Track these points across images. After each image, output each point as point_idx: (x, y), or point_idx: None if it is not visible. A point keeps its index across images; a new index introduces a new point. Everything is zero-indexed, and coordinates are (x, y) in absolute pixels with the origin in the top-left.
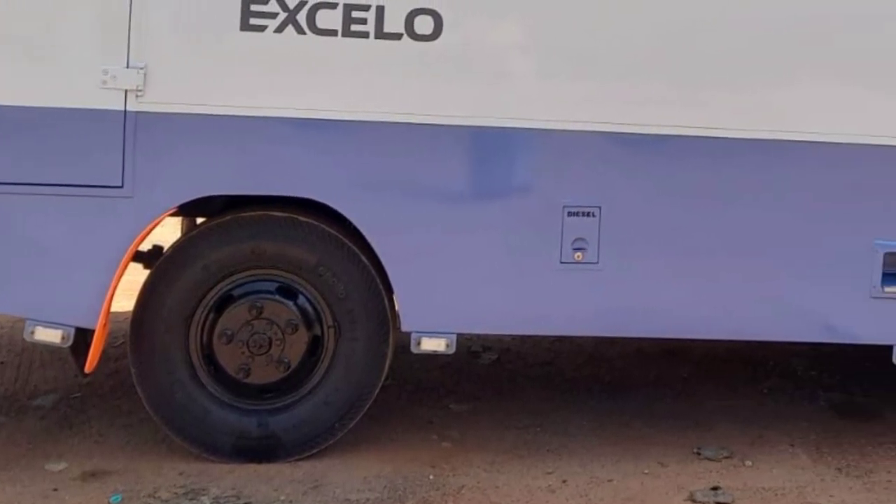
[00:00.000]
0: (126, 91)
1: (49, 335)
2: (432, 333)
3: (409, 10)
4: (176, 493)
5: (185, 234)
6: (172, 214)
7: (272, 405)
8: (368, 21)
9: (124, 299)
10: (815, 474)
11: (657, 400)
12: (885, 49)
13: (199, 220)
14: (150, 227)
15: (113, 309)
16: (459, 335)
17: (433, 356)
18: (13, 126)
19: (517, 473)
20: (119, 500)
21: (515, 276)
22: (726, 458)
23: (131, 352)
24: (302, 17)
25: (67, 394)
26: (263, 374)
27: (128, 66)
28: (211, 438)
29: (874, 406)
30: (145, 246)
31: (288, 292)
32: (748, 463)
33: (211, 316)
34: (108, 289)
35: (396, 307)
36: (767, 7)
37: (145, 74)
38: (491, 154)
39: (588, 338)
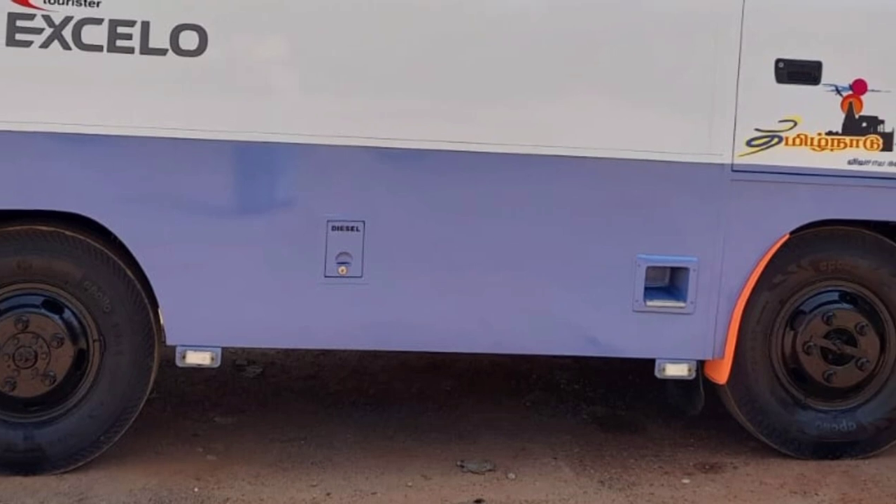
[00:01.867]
0: None
1: None
2: (197, 347)
3: (173, 25)
4: None
5: None
6: None
7: (38, 418)
8: (134, 37)
9: None
10: (578, 487)
11: (421, 413)
12: (646, 66)
13: None
14: None
15: None
16: (224, 349)
17: (198, 369)
18: None
19: (281, 486)
20: None
21: (280, 289)
22: (489, 470)
23: None
24: (67, 33)
25: None
26: (29, 387)
27: None
28: None
29: (637, 419)
30: None
31: (54, 306)
32: (511, 476)
33: None
34: None
35: (162, 321)
36: (529, 23)
37: None
38: (255, 169)
39: (352, 351)
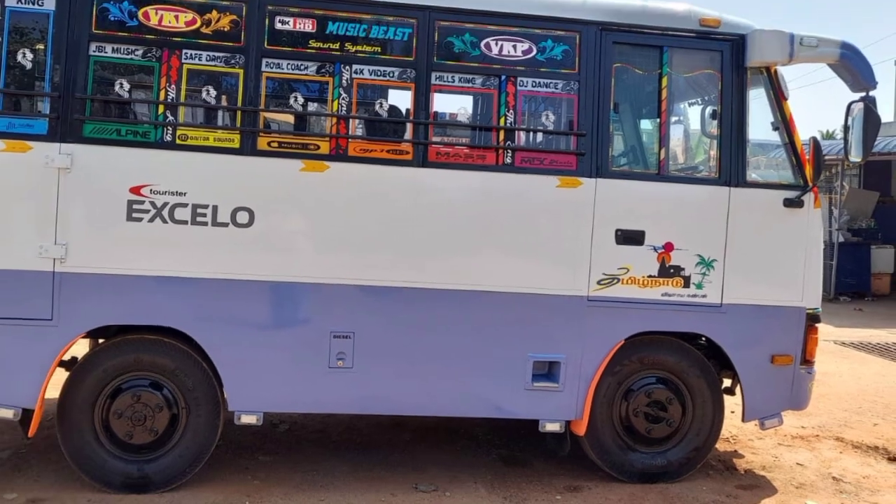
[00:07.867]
0: (54, 259)
1: (5, 413)
2: (248, 411)
3: (233, 207)
4: None
5: (91, 349)
6: (84, 336)
7: (147, 457)
8: (207, 215)
9: (53, 390)
10: (490, 502)
11: (390, 454)
12: (534, 234)
13: (101, 341)
14: (69, 344)
15: (46, 396)
16: (266, 413)
17: (249, 426)
18: None
19: (301, 501)
20: None
21: (301, 376)
22: (434, 491)
23: (58, 423)
24: (165, 213)
25: (17, 449)
26: (141, 437)
27: (55, 243)
28: (108, 478)
29: (527, 458)
30: (67, 356)
31: (156, 386)
32: (448, 494)
33: (108, 401)
34: (42, 383)
35: (225, 395)
36: (455, 207)
37: (66, 248)
38: (284, 299)
39: (346, 414)
